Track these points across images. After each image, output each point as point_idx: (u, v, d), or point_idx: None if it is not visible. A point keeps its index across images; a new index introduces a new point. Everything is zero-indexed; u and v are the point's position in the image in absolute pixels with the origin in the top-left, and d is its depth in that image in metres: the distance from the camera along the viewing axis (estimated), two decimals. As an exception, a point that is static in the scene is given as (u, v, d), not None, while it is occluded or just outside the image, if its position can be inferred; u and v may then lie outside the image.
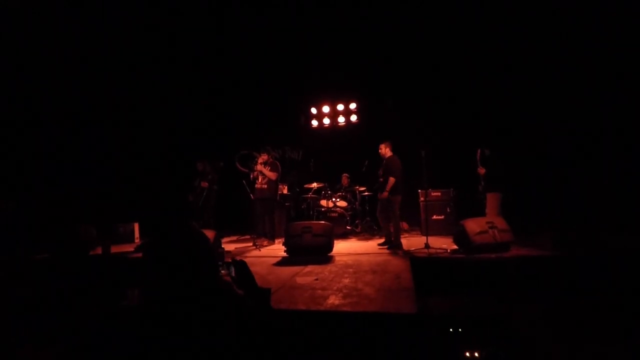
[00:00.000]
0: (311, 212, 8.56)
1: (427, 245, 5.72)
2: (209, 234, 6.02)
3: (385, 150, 6.75)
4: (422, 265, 5.19)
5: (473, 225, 5.29)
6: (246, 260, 5.27)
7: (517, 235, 5.52)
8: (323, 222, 6.08)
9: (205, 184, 8.26)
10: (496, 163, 6.61)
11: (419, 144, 6.74)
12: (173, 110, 10.06)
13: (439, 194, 8.09)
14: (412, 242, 7.01)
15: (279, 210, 8.79)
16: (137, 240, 8.30)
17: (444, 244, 6.49)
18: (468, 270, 5.13)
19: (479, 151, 6.85)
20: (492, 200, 6.58)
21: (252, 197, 7.40)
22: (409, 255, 5.36)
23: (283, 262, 5.31)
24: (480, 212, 7.35)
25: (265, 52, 10.11)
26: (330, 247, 5.73)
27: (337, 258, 5.48)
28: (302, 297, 3.49)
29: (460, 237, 5.38)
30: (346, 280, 3.94)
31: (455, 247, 5.59)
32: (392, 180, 6.32)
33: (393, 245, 6.24)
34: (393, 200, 6.36)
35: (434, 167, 7.23)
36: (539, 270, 4.89)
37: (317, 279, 4.01)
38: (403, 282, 3.87)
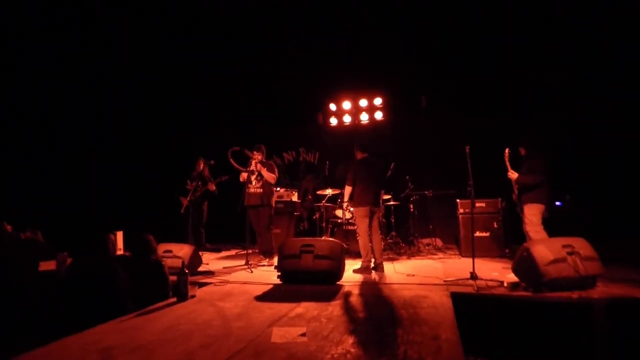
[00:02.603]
0: (324, 224, 7.07)
1: (473, 276, 4.11)
2: (185, 249, 4.68)
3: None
4: (469, 306, 3.62)
5: (544, 251, 3.66)
6: (226, 286, 3.86)
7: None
8: (329, 239, 4.61)
9: (213, 187, 6.99)
10: (535, 166, 5.01)
11: (462, 142, 5.25)
12: (169, 107, 8.85)
13: (484, 204, 6.45)
14: (450, 267, 5.39)
15: (287, 221, 7.35)
16: (119, 252, 7.05)
17: (493, 271, 4.89)
18: (536, 316, 3.51)
19: (507, 151, 5.27)
20: (531, 214, 5.00)
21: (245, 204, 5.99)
22: (450, 291, 3.78)
23: (269, 295, 3.84)
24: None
25: (277, 40, 8.80)
26: (338, 274, 4.22)
27: (347, 290, 3.97)
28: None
29: (524, 266, 3.76)
30: (351, 340, 2.42)
31: (515, 279, 3.96)
32: (346, 188, 5.28)
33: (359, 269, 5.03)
34: (354, 214, 5.38)
35: (476, 173, 5.66)
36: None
37: (304, 334, 2.52)
38: (445, 347, 2.32)
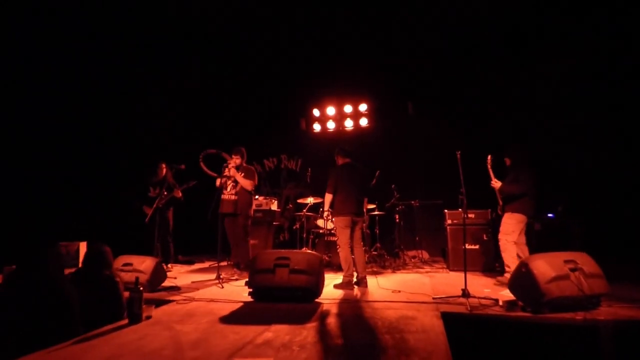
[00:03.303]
0: (304, 235, 6.62)
1: (465, 293, 3.72)
2: (147, 262, 4.19)
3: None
4: (462, 327, 3.22)
5: (544, 267, 3.29)
6: (189, 305, 3.42)
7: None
8: (307, 251, 4.18)
9: (179, 194, 6.46)
10: (520, 175, 4.78)
11: (450, 149, 4.95)
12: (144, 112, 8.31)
13: (473, 215, 6.15)
14: (438, 282, 5.01)
15: (265, 231, 6.89)
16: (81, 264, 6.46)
17: (485, 287, 4.54)
18: (537, 340, 3.14)
19: (489, 158, 5.03)
20: (507, 223, 4.82)
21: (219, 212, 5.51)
22: (440, 310, 3.38)
23: (236, 316, 3.37)
24: (531, 241, 5.45)
25: (259, 41, 8.42)
26: (316, 291, 3.78)
27: (325, 309, 3.53)
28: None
29: (522, 283, 3.38)
30: (326, 375, 2.00)
31: (511, 296, 3.58)
32: (326, 196, 4.92)
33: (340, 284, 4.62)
34: (334, 224, 4.99)
35: (465, 183, 5.33)
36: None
37: (270, 368, 2.08)
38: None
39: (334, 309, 3.50)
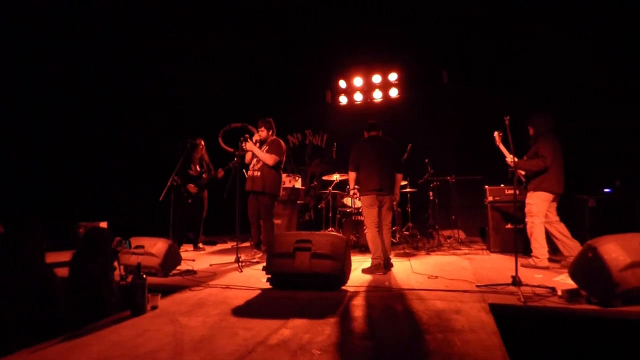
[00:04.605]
0: (330, 214, 6.19)
1: (516, 281, 3.19)
2: (159, 244, 3.89)
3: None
4: (515, 323, 2.72)
5: (617, 251, 2.71)
6: (201, 292, 3.13)
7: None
8: (331, 233, 3.75)
9: (221, 173, 6.13)
10: (540, 148, 4.30)
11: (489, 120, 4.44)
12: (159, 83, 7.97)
13: (518, 191, 5.48)
14: (480, 266, 4.49)
15: (289, 210, 6.50)
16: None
17: (536, 273, 3.97)
18: (609, 338, 2.60)
19: (496, 134, 4.71)
20: (531, 203, 4.38)
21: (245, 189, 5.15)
22: (488, 302, 2.88)
23: (251, 306, 2.98)
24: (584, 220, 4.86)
25: (280, 8, 7.83)
26: (342, 277, 3.35)
27: (351, 299, 3.10)
28: None
29: (588, 270, 2.82)
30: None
31: (571, 285, 3.04)
32: (349, 174, 4.54)
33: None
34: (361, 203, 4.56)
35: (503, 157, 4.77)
36: None
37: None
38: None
39: (361, 300, 3.07)
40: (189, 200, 5.98)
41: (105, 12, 6.90)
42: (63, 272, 2.81)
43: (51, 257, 3.83)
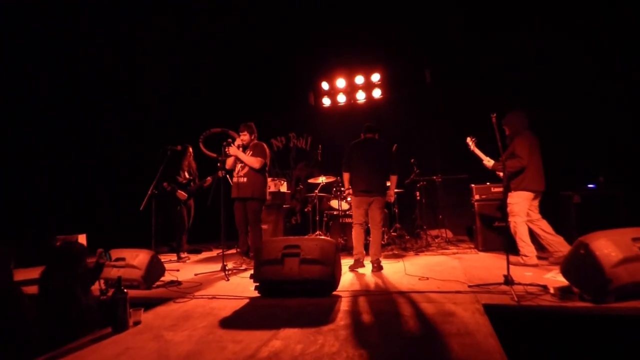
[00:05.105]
0: (317, 217, 6.10)
1: (508, 280, 3.15)
2: (141, 255, 3.73)
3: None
4: (509, 323, 2.67)
5: (609, 247, 2.70)
6: (187, 304, 2.99)
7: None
8: (320, 237, 3.67)
9: (210, 181, 6.00)
10: (516, 148, 4.34)
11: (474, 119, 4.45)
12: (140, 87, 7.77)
13: (501, 190, 5.50)
14: (470, 265, 4.46)
15: (275, 215, 6.39)
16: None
17: (526, 271, 3.96)
18: (603, 336, 2.58)
19: (469, 140, 4.79)
20: (512, 202, 4.40)
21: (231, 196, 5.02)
22: (482, 302, 2.83)
23: (240, 317, 2.87)
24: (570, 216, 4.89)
25: (261, 9, 7.72)
26: (332, 283, 3.26)
27: (343, 304, 3.01)
28: None
29: (581, 266, 2.80)
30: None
31: (563, 282, 3.02)
32: (343, 175, 4.67)
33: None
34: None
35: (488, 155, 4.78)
36: None
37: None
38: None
39: (353, 305, 2.98)
40: (178, 207, 5.87)
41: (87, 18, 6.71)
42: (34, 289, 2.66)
43: (26, 274, 3.67)
